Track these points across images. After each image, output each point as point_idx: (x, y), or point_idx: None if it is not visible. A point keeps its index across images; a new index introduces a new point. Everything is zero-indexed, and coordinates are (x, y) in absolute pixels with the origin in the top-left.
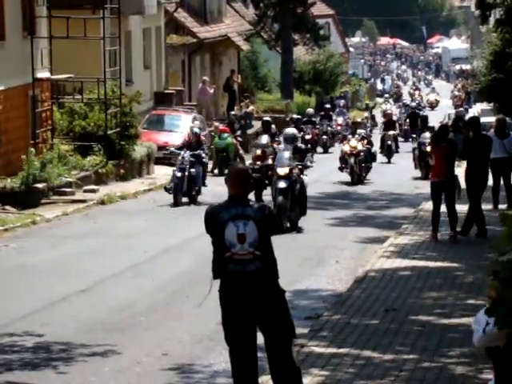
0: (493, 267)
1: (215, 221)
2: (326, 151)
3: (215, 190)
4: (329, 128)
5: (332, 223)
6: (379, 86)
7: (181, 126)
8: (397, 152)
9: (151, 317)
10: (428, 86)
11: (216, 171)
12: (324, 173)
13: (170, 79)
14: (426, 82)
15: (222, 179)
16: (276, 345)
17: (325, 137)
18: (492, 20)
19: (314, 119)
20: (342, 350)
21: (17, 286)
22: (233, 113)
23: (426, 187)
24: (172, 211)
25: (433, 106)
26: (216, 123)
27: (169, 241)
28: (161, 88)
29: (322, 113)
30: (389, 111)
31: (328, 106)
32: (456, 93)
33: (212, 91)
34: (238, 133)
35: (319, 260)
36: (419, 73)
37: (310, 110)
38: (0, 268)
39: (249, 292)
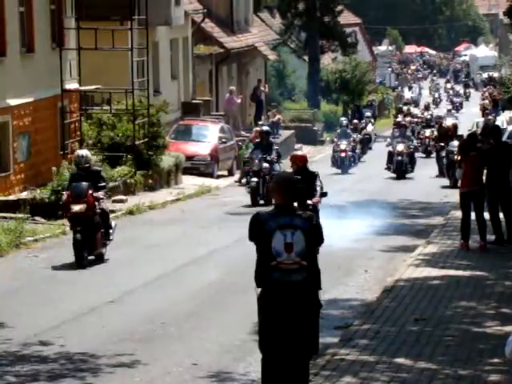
0: None
1: (263, 229)
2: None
3: (241, 200)
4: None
5: (361, 232)
6: (407, 95)
7: (208, 136)
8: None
9: (180, 327)
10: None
11: (244, 181)
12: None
13: (197, 89)
14: (452, 93)
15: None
16: (297, 356)
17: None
18: None
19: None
20: (373, 359)
21: (46, 297)
22: (260, 122)
23: (454, 196)
24: (202, 222)
25: (448, 133)
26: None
27: (198, 250)
28: (188, 98)
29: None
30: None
31: (368, 113)
32: (481, 101)
33: (239, 101)
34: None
35: (348, 269)
36: (448, 84)
37: (344, 120)
38: (30, 278)
39: (292, 301)
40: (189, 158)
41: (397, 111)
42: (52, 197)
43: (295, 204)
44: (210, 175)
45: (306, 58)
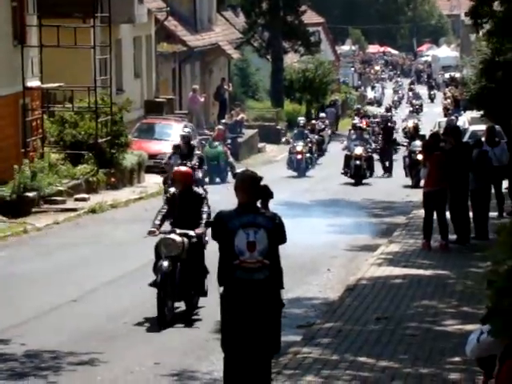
0: (488, 277)
1: (226, 227)
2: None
3: (208, 198)
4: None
5: (323, 231)
6: (370, 94)
7: (171, 134)
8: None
9: (143, 326)
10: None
11: (207, 180)
12: (319, 177)
13: (160, 87)
14: (412, 95)
15: (212, 188)
16: (258, 355)
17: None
18: (481, 29)
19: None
20: (335, 357)
21: (7, 295)
22: (223, 121)
23: (416, 195)
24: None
25: (410, 134)
26: (220, 126)
27: None
28: (151, 96)
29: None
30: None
31: (323, 114)
32: (444, 101)
33: (202, 99)
34: (229, 141)
35: (311, 268)
36: (412, 86)
37: (322, 114)
38: None
39: (254, 300)
40: (152, 156)
41: (354, 113)
42: (13, 195)
43: (258, 203)
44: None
45: (269, 57)
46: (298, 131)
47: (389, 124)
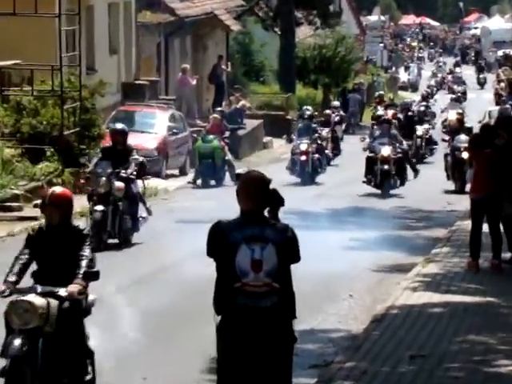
0: None
1: (226, 241)
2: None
3: (199, 206)
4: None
5: (345, 246)
6: (402, 77)
7: (155, 125)
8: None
9: (121, 364)
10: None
11: (199, 182)
12: (333, 184)
13: (141, 67)
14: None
15: (205, 192)
16: None
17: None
18: None
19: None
20: None
21: None
22: (220, 109)
23: (461, 203)
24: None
25: (453, 129)
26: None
27: (141, 267)
28: (130, 78)
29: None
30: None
31: (335, 103)
32: (496, 86)
33: (194, 82)
34: (227, 134)
35: (328, 293)
36: (457, 68)
37: (335, 103)
38: None
39: (259, 332)
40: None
41: (375, 101)
42: None
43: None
44: (157, 174)
45: (277, 30)
46: (304, 125)
47: (409, 113)
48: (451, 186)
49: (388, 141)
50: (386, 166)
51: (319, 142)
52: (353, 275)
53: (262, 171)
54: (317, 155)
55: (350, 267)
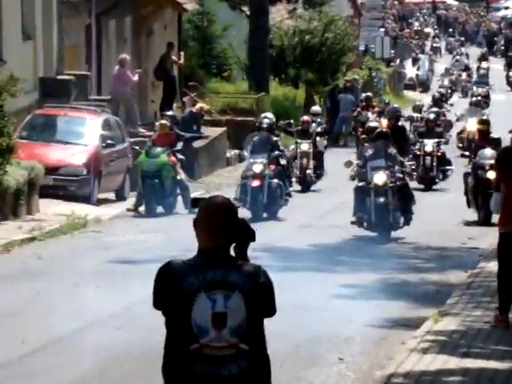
0: None
1: (178, 288)
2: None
3: (143, 240)
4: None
5: (335, 294)
6: (409, 72)
7: (84, 134)
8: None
9: None
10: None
11: (142, 209)
12: (316, 213)
13: (66, 57)
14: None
15: (151, 222)
16: None
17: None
18: None
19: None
20: None
21: None
22: (170, 113)
23: (485, 238)
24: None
25: (468, 141)
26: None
27: (68, 324)
28: (51, 72)
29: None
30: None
31: (315, 108)
32: None
33: (136, 78)
34: (179, 146)
35: (313, 356)
36: (483, 63)
37: (315, 108)
38: None
39: None
40: (51, 170)
41: (362, 105)
42: None
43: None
44: (87, 199)
45: (246, 9)
46: (260, 138)
47: (399, 123)
48: (473, 215)
49: (385, 163)
50: (382, 199)
51: (282, 161)
52: (344, 332)
53: (225, 196)
54: (276, 180)
55: (340, 322)
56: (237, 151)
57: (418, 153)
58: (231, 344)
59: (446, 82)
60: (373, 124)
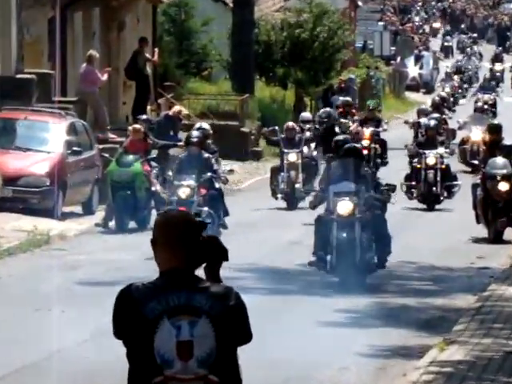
0: None
1: (139, 316)
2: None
3: (114, 259)
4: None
5: (328, 321)
6: (412, 71)
7: (47, 140)
8: None
9: None
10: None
11: (112, 224)
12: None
13: (26, 54)
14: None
15: (122, 239)
16: None
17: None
18: None
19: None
20: None
21: None
22: (144, 117)
23: (497, 257)
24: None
25: (483, 155)
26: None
27: (30, 353)
28: (9, 70)
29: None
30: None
31: (305, 115)
32: None
33: (105, 77)
34: (154, 154)
35: None
36: (497, 65)
37: (305, 115)
38: None
39: None
40: (10, 180)
41: (339, 111)
42: None
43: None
44: (50, 213)
45: (229, 1)
46: (188, 155)
47: (335, 129)
48: (482, 231)
49: (353, 188)
50: (345, 234)
51: (217, 184)
52: (339, 362)
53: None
54: (206, 209)
55: (334, 351)
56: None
57: (419, 166)
58: (199, 376)
59: (448, 89)
60: (341, 137)
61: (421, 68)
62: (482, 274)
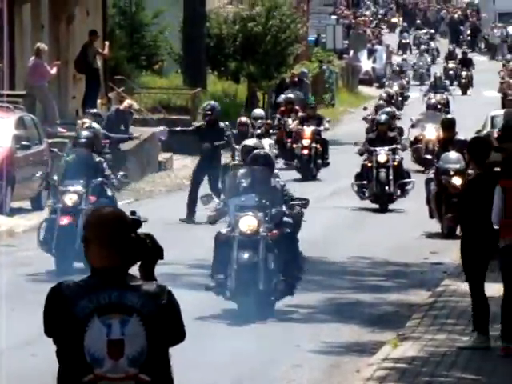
0: None
1: (69, 314)
2: None
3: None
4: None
5: (280, 317)
6: (365, 65)
7: None
8: None
9: None
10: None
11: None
12: None
13: None
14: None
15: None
16: None
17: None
18: None
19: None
20: None
21: None
22: (94, 111)
23: (450, 252)
24: None
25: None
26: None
27: None
28: None
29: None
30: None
31: (257, 111)
32: (502, 80)
33: (54, 71)
34: (105, 149)
35: None
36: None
37: (258, 112)
38: None
39: None
40: None
41: (281, 110)
42: None
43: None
44: None
45: None
46: (76, 158)
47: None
48: (436, 227)
49: (256, 201)
50: (246, 255)
51: (109, 192)
52: (291, 360)
53: (155, 204)
54: None
55: (286, 348)
56: (168, 154)
57: (369, 164)
58: (130, 375)
59: (396, 87)
60: (250, 142)
61: (374, 62)
62: (435, 269)
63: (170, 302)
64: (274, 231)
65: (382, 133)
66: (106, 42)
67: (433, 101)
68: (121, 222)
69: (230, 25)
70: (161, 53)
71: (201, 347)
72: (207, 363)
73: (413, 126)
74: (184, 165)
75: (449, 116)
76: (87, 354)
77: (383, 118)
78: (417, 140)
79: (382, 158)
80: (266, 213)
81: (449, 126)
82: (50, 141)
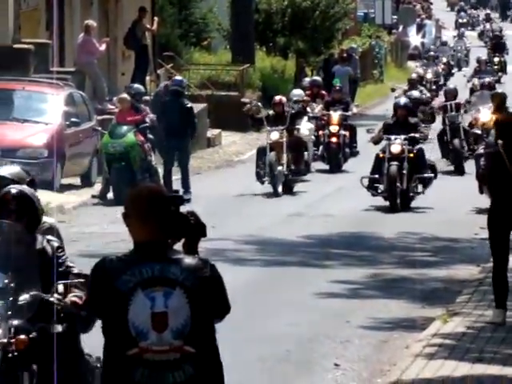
0: None
1: (112, 288)
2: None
3: (114, 232)
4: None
5: (328, 293)
6: (413, 40)
7: (45, 111)
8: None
9: None
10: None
11: (110, 196)
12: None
13: (23, 23)
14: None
15: (120, 211)
16: None
17: None
18: None
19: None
20: None
21: None
22: (136, 86)
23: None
24: None
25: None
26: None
27: None
28: (7, 40)
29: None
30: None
31: (297, 91)
32: None
33: (104, 47)
34: (148, 122)
35: (304, 361)
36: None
37: (297, 93)
38: None
39: None
40: (7, 152)
41: (308, 94)
42: None
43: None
44: (48, 185)
45: None
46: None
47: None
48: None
49: None
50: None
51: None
52: (341, 335)
53: (204, 181)
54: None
55: (336, 323)
56: (217, 130)
57: (382, 155)
58: (174, 347)
59: (430, 75)
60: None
61: (423, 37)
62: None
63: (212, 275)
64: None
65: (401, 118)
66: (155, 18)
67: (487, 79)
68: (157, 196)
69: (278, 0)
70: (209, 29)
71: (251, 322)
72: (257, 338)
73: (465, 112)
74: (233, 141)
75: (499, 91)
76: (132, 328)
77: (403, 101)
78: (471, 125)
79: (395, 149)
80: None
81: (499, 100)
82: (99, 118)
